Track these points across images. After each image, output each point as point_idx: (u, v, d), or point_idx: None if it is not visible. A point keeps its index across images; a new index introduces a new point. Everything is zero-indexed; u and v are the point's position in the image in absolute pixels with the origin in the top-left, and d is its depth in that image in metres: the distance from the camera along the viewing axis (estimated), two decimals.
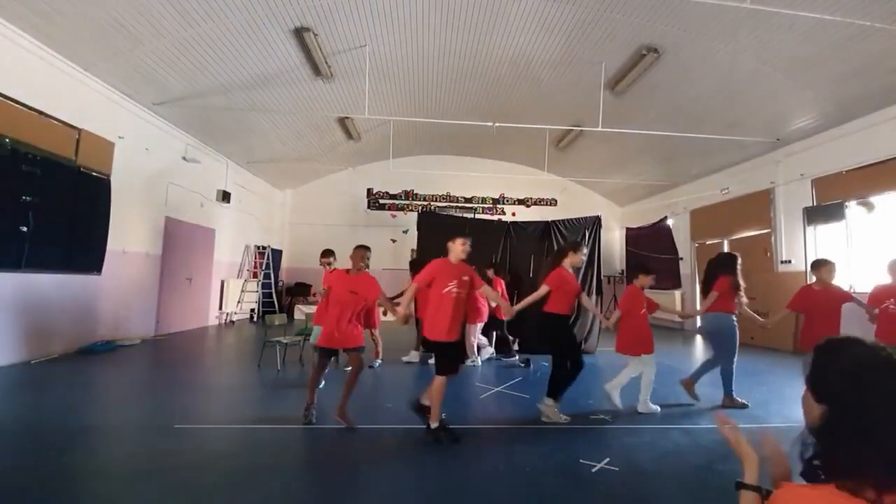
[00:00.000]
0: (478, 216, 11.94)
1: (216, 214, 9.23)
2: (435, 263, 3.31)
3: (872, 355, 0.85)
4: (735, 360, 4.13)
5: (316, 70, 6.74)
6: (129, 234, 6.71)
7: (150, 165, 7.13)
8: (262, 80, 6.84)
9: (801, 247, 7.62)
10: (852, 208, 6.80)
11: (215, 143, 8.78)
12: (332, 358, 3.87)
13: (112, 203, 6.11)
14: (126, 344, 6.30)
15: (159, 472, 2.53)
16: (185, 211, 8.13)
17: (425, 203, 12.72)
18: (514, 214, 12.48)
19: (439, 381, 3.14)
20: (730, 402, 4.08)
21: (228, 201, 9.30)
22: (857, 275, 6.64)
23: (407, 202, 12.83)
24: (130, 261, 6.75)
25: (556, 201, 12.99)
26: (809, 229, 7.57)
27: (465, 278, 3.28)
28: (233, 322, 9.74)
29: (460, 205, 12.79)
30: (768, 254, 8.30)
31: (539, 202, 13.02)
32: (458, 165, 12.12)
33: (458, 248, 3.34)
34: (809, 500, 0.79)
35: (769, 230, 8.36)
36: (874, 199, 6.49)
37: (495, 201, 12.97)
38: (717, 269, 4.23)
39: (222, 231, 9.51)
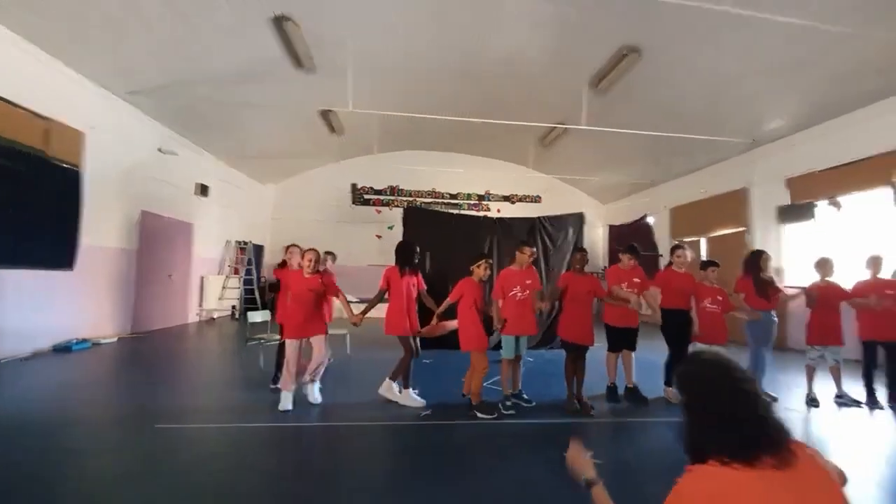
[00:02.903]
0: (463, 212, 11.95)
1: (195, 208, 8.98)
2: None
3: (700, 356, 1.14)
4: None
5: (297, 61, 6.59)
6: (104, 229, 6.47)
7: (124, 157, 6.87)
8: (242, 70, 6.65)
9: (773, 244, 7.90)
10: (822, 208, 7.08)
11: (193, 134, 8.53)
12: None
13: (85, 196, 5.87)
14: (102, 342, 6.10)
15: (141, 474, 2.47)
16: (162, 205, 7.89)
17: (411, 199, 12.66)
18: (499, 211, 12.53)
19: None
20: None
21: (207, 195, 9.07)
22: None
23: (392, 198, 12.74)
24: (105, 256, 6.52)
25: (540, 198, 13.11)
26: (782, 227, 7.86)
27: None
28: (213, 319, 9.53)
29: (446, 201, 12.77)
30: (743, 251, 8.56)
31: (524, 199, 13.11)
32: (443, 161, 12.08)
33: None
34: (711, 472, 0.96)
35: (744, 228, 8.63)
36: (842, 199, 6.77)
37: (480, 198, 13.00)
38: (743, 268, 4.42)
39: (202, 226, 9.27)
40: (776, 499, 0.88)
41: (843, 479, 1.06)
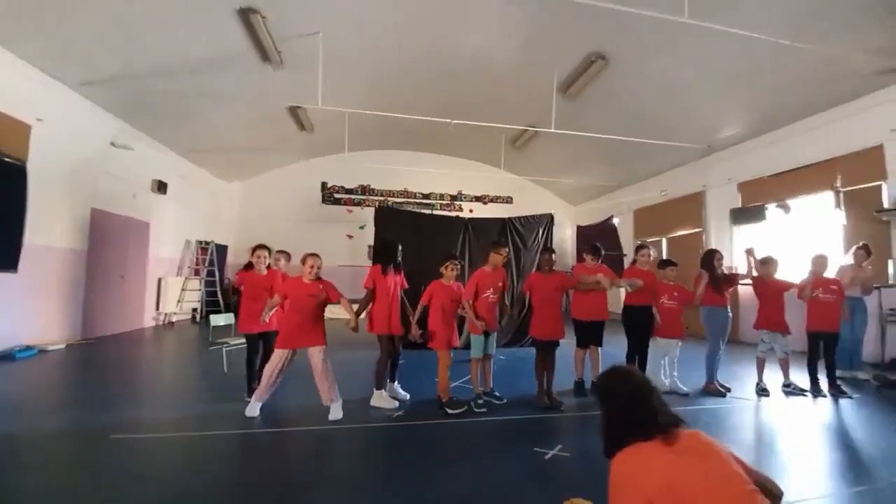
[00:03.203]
0: (436, 212, 11.96)
1: (152, 206, 8.53)
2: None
3: (611, 370, 1.46)
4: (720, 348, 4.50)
5: (264, 55, 6.40)
6: (51, 228, 6.04)
7: (74, 152, 6.44)
8: (205, 62, 6.38)
9: (727, 244, 8.38)
10: (772, 210, 7.57)
11: (151, 129, 8.10)
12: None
13: (30, 193, 5.45)
14: (49, 349, 5.69)
15: (95, 486, 2.32)
16: (115, 202, 7.45)
17: (382, 198, 12.56)
18: (471, 211, 12.64)
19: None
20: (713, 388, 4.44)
21: (165, 192, 8.64)
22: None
23: (364, 197, 12.59)
24: (53, 257, 6.08)
25: (511, 199, 13.31)
26: (735, 228, 8.36)
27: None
28: (172, 323, 9.08)
29: (418, 201, 12.74)
30: (700, 251, 9.02)
31: (496, 199, 13.28)
32: (415, 161, 12.05)
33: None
34: (627, 456, 1.25)
35: (701, 229, 9.11)
36: (791, 202, 7.26)
37: (453, 198, 13.05)
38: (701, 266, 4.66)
39: (160, 225, 8.82)
40: (677, 461, 1.18)
41: (778, 492, 1.25)
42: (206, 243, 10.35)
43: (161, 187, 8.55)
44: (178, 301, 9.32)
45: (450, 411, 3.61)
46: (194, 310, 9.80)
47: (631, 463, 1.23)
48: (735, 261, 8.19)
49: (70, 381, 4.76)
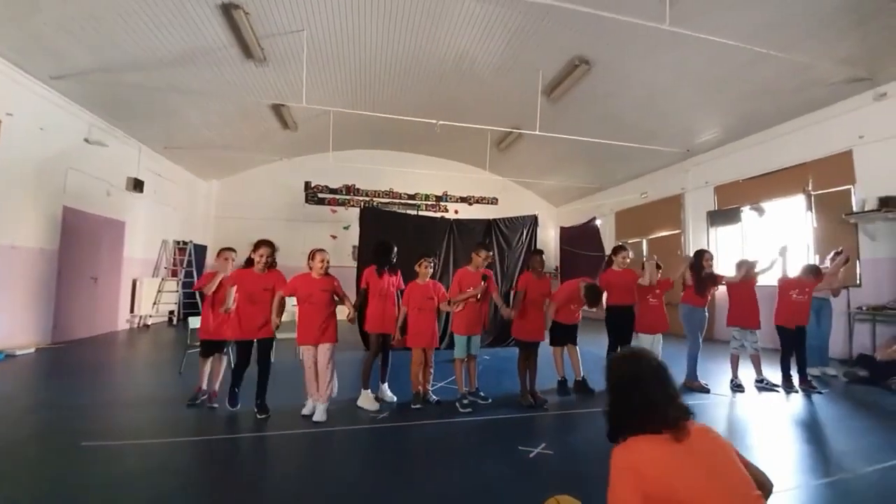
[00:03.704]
0: (421, 213, 11.94)
1: (127, 205, 8.27)
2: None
3: (627, 351, 1.38)
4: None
5: (247, 52, 6.28)
6: (19, 227, 5.79)
7: (45, 148, 6.19)
8: (184, 57, 6.22)
9: (704, 245, 8.60)
10: (747, 212, 7.82)
11: (126, 125, 7.86)
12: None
13: None
14: (18, 353, 5.45)
15: (65, 496, 2.24)
16: (88, 200, 7.19)
17: (367, 199, 12.46)
18: (456, 212, 12.66)
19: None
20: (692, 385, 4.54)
21: (141, 190, 8.39)
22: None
23: (348, 197, 12.47)
24: (20, 257, 5.83)
25: (496, 200, 13.39)
26: (712, 230, 8.61)
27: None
28: (147, 326, 8.81)
29: (403, 201, 12.70)
30: (679, 252, 9.27)
31: (481, 200, 13.34)
32: (401, 161, 12.01)
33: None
34: (629, 447, 1.19)
35: (679, 231, 9.34)
36: (765, 205, 7.51)
37: (438, 199, 13.05)
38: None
39: (135, 224, 8.56)
40: (682, 461, 1.13)
41: (769, 485, 1.23)
42: (185, 243, 10.09)
43: (137, 185, 8.29)
44: (154, 303, 9.05)
45: (412, 406, 3.78)
46: (171, 312, 9.53)
47: (633, 453, 1.18)
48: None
49: (40, 386, 4.56)
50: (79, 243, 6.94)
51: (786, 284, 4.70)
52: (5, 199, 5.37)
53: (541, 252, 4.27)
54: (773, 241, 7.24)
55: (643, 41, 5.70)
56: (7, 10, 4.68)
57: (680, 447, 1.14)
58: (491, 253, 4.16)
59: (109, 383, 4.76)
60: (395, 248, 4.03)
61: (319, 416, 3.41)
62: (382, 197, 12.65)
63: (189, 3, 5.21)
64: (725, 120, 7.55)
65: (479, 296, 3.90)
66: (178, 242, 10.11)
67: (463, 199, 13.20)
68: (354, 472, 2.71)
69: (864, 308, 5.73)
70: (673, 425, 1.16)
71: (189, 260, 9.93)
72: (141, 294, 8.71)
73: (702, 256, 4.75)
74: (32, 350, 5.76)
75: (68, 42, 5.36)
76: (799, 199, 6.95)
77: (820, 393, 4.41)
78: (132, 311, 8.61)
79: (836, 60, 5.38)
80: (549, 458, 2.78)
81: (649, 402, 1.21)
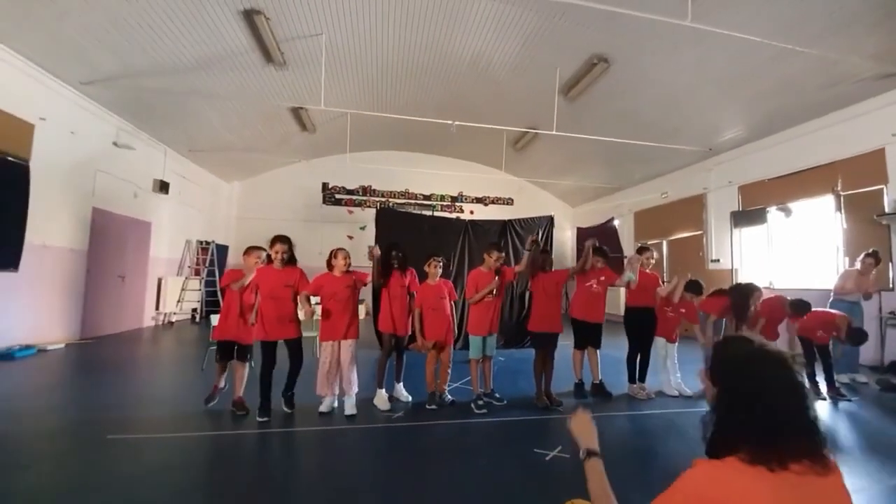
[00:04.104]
0: (437, 214, 11.96)
1: (153, 206, 8.54)
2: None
3: (751, 347, 1.00)
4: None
5: (267, 56, 6.42)
6: (51, 227, 6.04)
7: (76, 151, 6.45)
8: (207, 62, 6.40)
9: (728, 247, 8.38)
10: (773, 213, 7.57)
11: (152, 128, 8.12)
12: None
13: (32, 192, 5.47)
14: (49, 348, 5.69)
15: (91, 489, 2.32)
16: (116, 202, 7.45)
17: (383, 199, 12.56)
18: (472, 213, 12.64)
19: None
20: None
21: (167, 192, 8.65)
22: (776, 273, 7.42)
23: (365, 198, 12.59)
24: (52, 257, 6.08)
25: (512, 200, 13.32)
26: (736, 231, 8.35)
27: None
28: (171, 323, 9.08)
29: (419, 202, 12.74)
30: (700, 253, 9.04)
31: (496, 201, 13.28)
32: (416, 162, 12.06)
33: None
34: (719, 470, 0.89)
35: (701, 232, 9.11)
36: (791, 206, 7.26)
37: (454, 199, 13.05)
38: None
39: (160, 224, 8.82)
40: None
41: None
42: (207, 243, 10.35)
43: (163, 187, 8.56)
44: (178, 301, 9.32)
45: (427, 406, 3.80)
46: (194, 310, 9.80)
47: (718, 485, 0.86)
48: (736, 262, 8.20)
49: (68, 380, 4.75)
50: (107, 243, 7.20)
51: (809, 322, 4.45)
52: (38, 201, 5.60)
53: (545, 251, 4.37)
54: (800, 243, 7.05)
55: (664, 38, 5.58)
56: (36, 16, 4.88)
57: (799, 489, 0.82)
58: (503, 254, 4.12)
59: (134, 378, 4.93)
60: (395, 250, 4.04)
61: (350, 409, 3.53)
62: (398, 198, 12.72)
63: (211, 9, 5.35)
64: (749, 118, 7.32)
65: (494, 291, 3.88)
66: (201, 242, 10.39)
67: (478, 200, 13.17)
68: (369, 470, 2.73)
69: None
70: (807, 453, 0.86)
71: (211, 259, 10.19)
72: (166, 292, 8.98)
73: (749, 295, 4.07)
74: (62, 345, 6.00)
75: (97, 48, 5.57)
76: (828, 200, 6.69)
77: (849, 401, 4.23)
78: (157, 308, 8.88)
79: (864, 56, 5.16)
80: (565, 462, 2.74)
81: (787, 410, 0.89)
